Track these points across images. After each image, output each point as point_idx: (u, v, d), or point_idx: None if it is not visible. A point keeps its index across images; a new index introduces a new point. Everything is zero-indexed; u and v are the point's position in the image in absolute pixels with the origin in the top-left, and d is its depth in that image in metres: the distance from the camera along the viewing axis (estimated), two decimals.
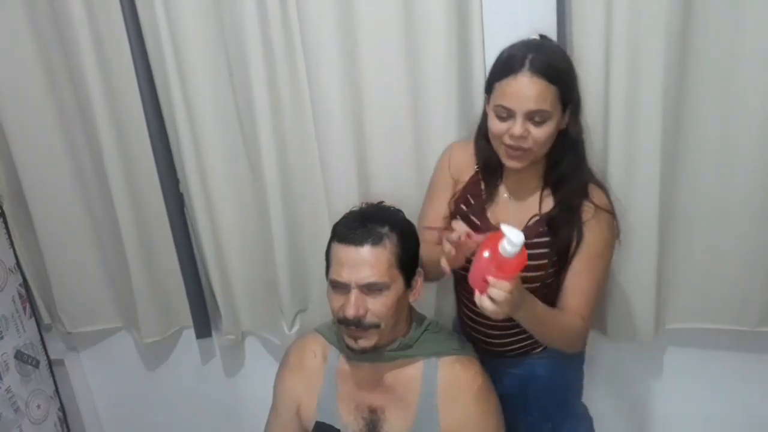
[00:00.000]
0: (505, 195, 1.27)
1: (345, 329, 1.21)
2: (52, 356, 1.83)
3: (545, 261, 1.20)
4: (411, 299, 1.26)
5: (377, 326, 1.19)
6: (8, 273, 1.68)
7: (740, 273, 1.39)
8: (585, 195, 1.21)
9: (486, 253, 1.00)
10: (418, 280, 1.26)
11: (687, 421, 1.63)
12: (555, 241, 1.21)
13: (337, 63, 1.38)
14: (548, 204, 1.23)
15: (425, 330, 1.29)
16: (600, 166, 1.33)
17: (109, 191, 1.57)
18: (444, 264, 1.10)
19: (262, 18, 1.36)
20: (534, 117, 1.11)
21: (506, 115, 1.13)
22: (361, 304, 1.17)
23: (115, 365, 1.92)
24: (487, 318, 1.11)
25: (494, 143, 1.19)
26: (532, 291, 1.12)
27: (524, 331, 1.23)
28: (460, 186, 1.32)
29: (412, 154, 1.45)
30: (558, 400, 1.39)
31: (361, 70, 1.38)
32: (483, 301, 1.02)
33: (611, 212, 1.22)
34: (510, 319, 1.19)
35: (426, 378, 1.24)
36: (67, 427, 1.88)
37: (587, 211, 1.20)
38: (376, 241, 1.17)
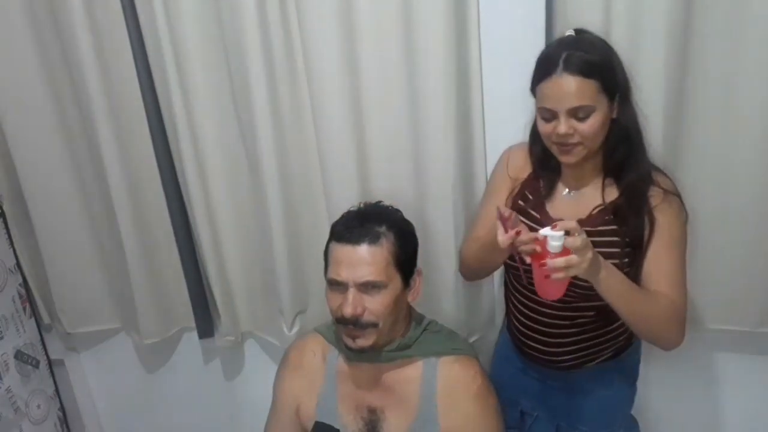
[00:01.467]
0: (565, 190, 1.26)
1: (343, 329, 1.21)
2: (52, 356, 1.83)
3: (617, 249, 1.18)
4: (410, 299, 1.26)
5: (375, 325, 1.19)
6: (8, 273, 1.68)
7: (740, 273, 1.39)
8: (651, 181, 1.19)
9: (540, 263, 1.05)
10: (417, 280, 1.26)
11: (688, 422, 1.63)
12: (624, 229, 1.18)
13: (337, 63, 1.38)
14: (612, 193, 1.21)
15: (425, 330, 1.29)
16: None
17: (108, 191, 1.57)
18: (501, 236, 1.10)
19: (262, 18, 1.36)
20: (577, 113, 1.11)
21: (550, 116, 1.14)
22: (359, 303, 1.17)
23: (115, 366, 1.92)
24: (544, 325, 1.13)
25: (546, 143, 1.20)
26: None
27: (581, 341, 1.24)
28: (518, 184, 1.31)
29: (412, 154, 1.44)
30: (608, 417, 1.36)
31: (360, 70, 1.38)
32: (569, 260, 1.01)
33: (679, 195, 1.21)
34: (568, 326, 1.21)
35: (426, 378, 1.24)
36: (67, 427, 1.88)
37: (655, 196, 1.18)
38: (374, 239, 1.18)
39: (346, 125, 1.42)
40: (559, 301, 1.15)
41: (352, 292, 1.17)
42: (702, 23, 1.25)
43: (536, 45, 1.35)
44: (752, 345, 1.49)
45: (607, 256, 1.13)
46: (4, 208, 1.70)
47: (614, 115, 1.16)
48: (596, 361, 1.30)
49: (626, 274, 1.16)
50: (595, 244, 1.05)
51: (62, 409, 1.86)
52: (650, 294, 1.16)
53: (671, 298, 1.15)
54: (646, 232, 1.18)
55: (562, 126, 1.12)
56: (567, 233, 1.01)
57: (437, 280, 1.52)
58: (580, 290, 1.17)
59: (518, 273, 1.25)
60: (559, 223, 1.02)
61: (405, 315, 1.27)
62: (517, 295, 1.32)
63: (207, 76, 1.46)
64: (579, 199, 1.24)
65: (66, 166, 1.63)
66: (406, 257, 1.21)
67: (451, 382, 1.23)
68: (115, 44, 1.47)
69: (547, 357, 1.31)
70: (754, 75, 1.25)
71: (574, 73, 1.09)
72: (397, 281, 1.20)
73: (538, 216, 1.25)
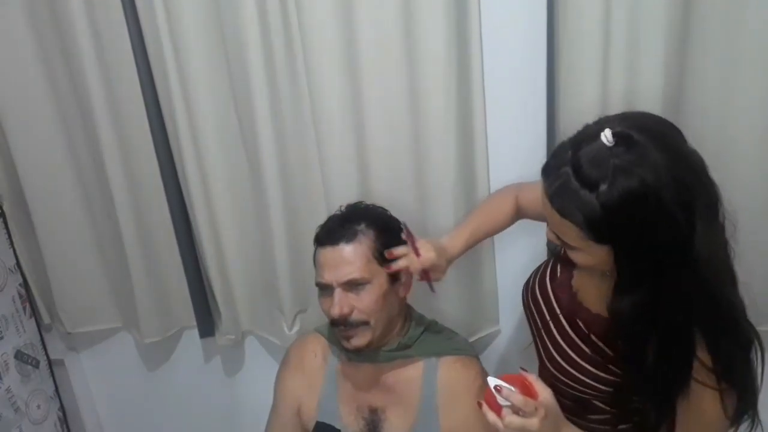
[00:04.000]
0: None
1: (337, 331, 1.22)
2: (52, 356, 1.82)
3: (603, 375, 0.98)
4: (401, 294, 1.25)
5: (366, 323, 1.19)
6: (8, 273, 1.68)
7: (740, 274, 1.39)
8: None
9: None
10: (406, 274, 1.26)
11: None
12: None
13: (337, 63, 1.37)
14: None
15: (425, 330, 1.29)
16: None
17: (109, 191, 1.57)
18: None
19: (262, 18, 1.36)
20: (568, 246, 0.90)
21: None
22: (346, 302, 1.18)
23: (115, 365, 1.92)
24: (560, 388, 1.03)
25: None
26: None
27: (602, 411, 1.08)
28: None
29: (412, 155, 1.44)
30: None
31: (360, 70, 1.38)
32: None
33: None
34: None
35: (426, 378, 1.24)
36: (67, 427, 1.88)
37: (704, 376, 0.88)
38: (350, 238, 1.19)
39: (346, 125, 1.42)
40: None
41: (337, 293, 1.18)
42: (701, 23, 1.25)
43: (537, 45, 1.36)
44: None
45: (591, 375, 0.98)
46: (4, 208, 1.69)
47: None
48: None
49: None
50: (575, 347, 0.97)
51: (62, 409, 1.86)
52: None
53: None
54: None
55: (551, 234, 0.92)
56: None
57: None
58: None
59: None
60: (509, 389, 0.89)
61: (401, 312, 1.27)
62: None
63: (207, 76, 1.46)
64: (596, 290, 1.00)
65: (66, 166, 1.63)
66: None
67: (451, 383, 1.23)
68: (116, 45, 1.47)
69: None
70: (754, 75, 1.25)
71: (554, 207, 0.85)
72: (381, 277, 1.20)
73: (558, 275, 1.07)
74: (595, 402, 1.05)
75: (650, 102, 1.26)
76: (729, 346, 0.86)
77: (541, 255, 1.49)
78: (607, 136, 0.79)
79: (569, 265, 1.06)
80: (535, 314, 1.13)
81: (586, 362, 1.00)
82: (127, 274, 1.66)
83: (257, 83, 1.40)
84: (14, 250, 1.71)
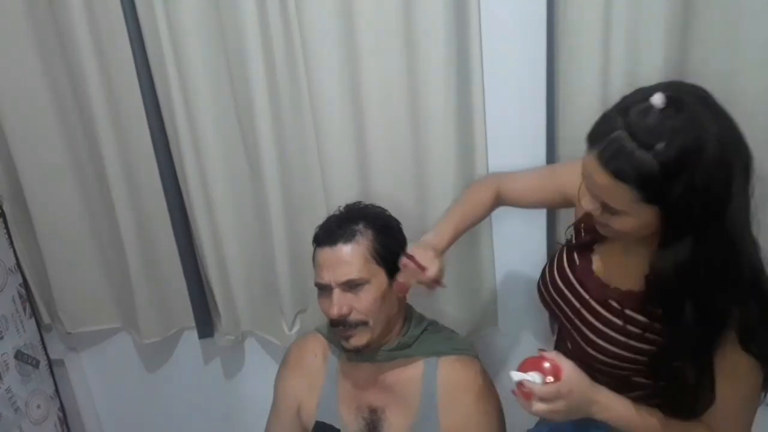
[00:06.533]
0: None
1: (337, 331, 1.22)
2: (52, 356, 1.82)
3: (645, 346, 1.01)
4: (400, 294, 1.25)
5: (365, 323, 1.19)
6: (8, 273, 1.68)
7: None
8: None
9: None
10: None
11: None
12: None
13: (337, 63, 1.38)
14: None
15: (425, 329, 1.29)
16: None
17: (109, 191, 1.57)
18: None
19: (262, 18, 1.37)
20: (608, 207, 0.92)
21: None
22: (344, 302, 1.18)
23: (115, 365, 1.92)
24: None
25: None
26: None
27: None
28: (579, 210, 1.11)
29: (412, 154, 1.45)
30: None
31: (360, 71, 1.38)
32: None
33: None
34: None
35: (426, 378, 1.24)
36: (67, 427, 1.88)
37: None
38: (348, 238, 1.19)
39: (346, 125, 1.43)
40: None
41: (336, 293, 1.18)
42: (702, 23, 1.25)
43: (537, 44, 1.36)
44: None
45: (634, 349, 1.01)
46: (4, 208, 1.70)
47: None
48: None
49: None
50: (613, 326, 1.00)
51: (62, 409, 1.86)
52: (676, 424, 1.00)
53: (713, 427, 0.97)
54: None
55: (592, 209, 0.95)
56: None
57: None
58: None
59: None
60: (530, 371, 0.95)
61: (400, 312, 1.27)
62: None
63: (207, 76, 1.46)
64: (621, 268, 1.04)
65: (66, 167, 1.63)
66: (387, 252, 1.21)
67: (452, 382, 1.23)
68: (116, 45, 1.47)
69: None
70: (754, 74, 1.25)
71: (607, 170, 0.87)
72: (380, 277, 1.20)
73: (577, 263, 1.09)
74: (634, 379, 1.07)
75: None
76: (754, 309, 0.91)
77: (540, 255, 1.50)
78: (658, 99, 0.84)
79: (586, 251, 1.10)
80: (563, 305, 1.12)
81: (625, 336, 1.02)
82: (126, 274, 1.66)
83: (257, 82, 1.40)
84: (14, 250, 1.71)
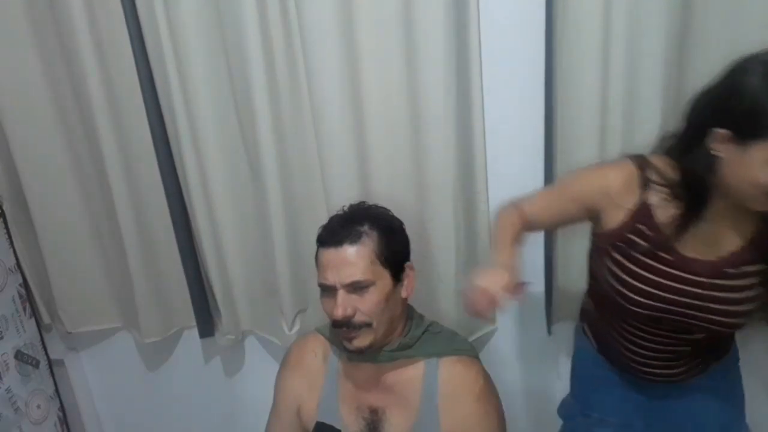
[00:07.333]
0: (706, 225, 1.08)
1: (340, 332, 1.22)
2: (52, 356, 1.83)
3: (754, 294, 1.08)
4: (403, 295, 1.25)
5: (369, 325, 1.19)
6: (8, 273, 1.68)
7: None
8: None
9: None
10: (409, 275, 1.26)
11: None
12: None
13: (337, 63, 1.38)
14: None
15: (426, 330, 1.29)
16: None
17: (109, 191, 1.57)
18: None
19: (262, 18, 1.37)
20: None
21: None
22: (349, 304, 1.17)
23: (115, 365, 1.92)
24: (649, 351, 1.16)
25: (750, 190, 0.97)
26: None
27: (687, 362, 1.20)
28: (620, 212, 1.11)
29: (412, 154, 1.45)
30: (734, 409, 1.33)
31: (360, 71, 1.38)
32: None
33: None
34: (674, 353, 1.18)
35: (427, 378, 1.24)
36: (67, 427, 1.88)
37: None
38: (355, 239, 1.18)
39: (346, 125, 1.43)
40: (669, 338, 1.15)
41: (340, 294, 1.17)
42: (702, 23, 1.25)
43: (536, 44, 1.36)
44: (753, 344, 1.49)
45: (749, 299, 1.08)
46: (4, 208, 1.70)
47: None
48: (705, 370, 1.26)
49: None
50: (736, 288, 1.05)
51: (62, 409, 1.86)
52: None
53: None
54: None
55: None
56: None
57: (437, 279, 1.52)
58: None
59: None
60: None
61: (402, 313, 1.27)
62: (625, 323, 1.22)
63: (207, 76, 1.46)
64: (713, 237, 1.08)
65: (66, 166, 1.63)
66: (392, 253, 1.21)
67: (452, 383, 1.23)
68: (116, 45, 1.47)
69: (659, 379, 1.24)
70: None
71: None
72: (385, 278, 1.20)
73: (670, 258, 1.10)
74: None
75: (651, 98, 1.27)
76: None
77: (539, 255, 1.50)
78: None
79: (666, 246, 1.10)
80: (681, 303, 1.11)
81: (754, 290, 1.09)
82: (127, 274, 1.66)
83: (257, 82, 1.40)
84: (14, 250, 1.71)
